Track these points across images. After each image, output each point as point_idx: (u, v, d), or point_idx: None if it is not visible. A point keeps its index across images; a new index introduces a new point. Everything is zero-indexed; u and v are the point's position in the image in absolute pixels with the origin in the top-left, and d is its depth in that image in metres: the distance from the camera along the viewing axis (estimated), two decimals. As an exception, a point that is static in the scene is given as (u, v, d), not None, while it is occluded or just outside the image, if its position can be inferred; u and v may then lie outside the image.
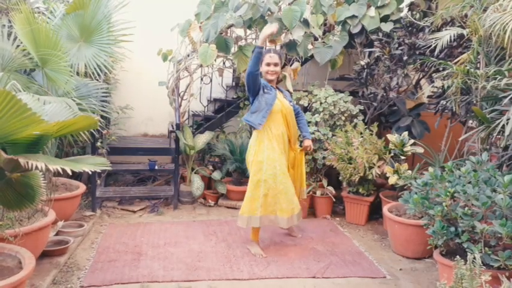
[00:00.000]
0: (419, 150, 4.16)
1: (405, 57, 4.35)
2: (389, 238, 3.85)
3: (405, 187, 3.87)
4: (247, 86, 3.50)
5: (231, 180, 5.15)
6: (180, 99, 5.01)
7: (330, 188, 4.70)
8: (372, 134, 4.30)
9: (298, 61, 4.91)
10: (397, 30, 4.55)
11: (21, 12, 3.23)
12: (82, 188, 4.14)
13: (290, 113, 3.63)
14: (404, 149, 4.14)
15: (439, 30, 4.16)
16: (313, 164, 4.73)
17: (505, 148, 3.23)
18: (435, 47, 3.77)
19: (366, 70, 4.67)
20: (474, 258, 2.14)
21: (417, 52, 4.32)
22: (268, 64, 3.52)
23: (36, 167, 2.08)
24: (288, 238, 3.98)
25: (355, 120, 4.75)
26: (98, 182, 4.66)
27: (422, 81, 4.86)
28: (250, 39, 4.94)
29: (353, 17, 4.66)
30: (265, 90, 3.51)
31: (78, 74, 3.74)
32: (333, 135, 4.56)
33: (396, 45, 4.41)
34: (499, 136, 3.28)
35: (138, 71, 5.66)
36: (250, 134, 3.88)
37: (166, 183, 5.44)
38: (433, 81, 4.51)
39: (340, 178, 4.56)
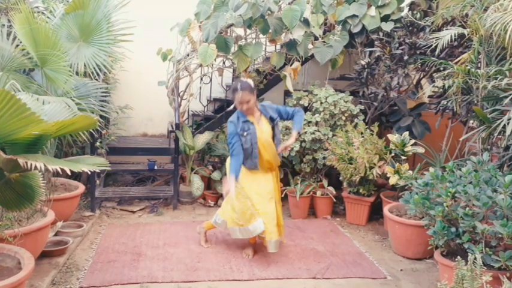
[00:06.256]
0: (420, 150, 4.15)
1: (406, 57, 4.34)
2: (390, 238, 3.84)
3: (406, 187, 3.86)
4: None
5: (231, 181, 5.13)
6: (179, 99, 4.99)
7: (331, 188, 4.69)
8: (372, 134, 4.28)
9: (299, 61, 4.89)
10: (397, 29, 4.54)
11: (21, 11, 3.22)
12: (81, 188, 4.13)
13: (267, 140, 3.42)
14: (405, 149, 4.13)
15: (439, 29, 4.15)
16: (314, 164, 4.72)
17: (506, 148, 3.22)
18: (436, 46, 3.76)
19: (366, 70, 4.66)
20: (475, 258, 2.13)
21: (418, 52, 4.31)
22: (240, 103, 3.32)
23: (36, 167, 2.08)
24: (288, 238, 3.96)
25: (355, 120, 4.74)
26: (97, 182, 4.65)
27: (423, 81, 4.85)
28: (250, 38, 4.93)
29: (353, 16, 4.66)
30: (245, 134, 3.34)
31: (77, 73, 3.73)
32: (334, 135, 4.54)
33: (397, 45, 4.40)
34: (500, 136, 3.28)
35: (137, 70, 5.64)
36: None
37: (166, 184, 5.42)
38: (433, 81, 4.49)
39: (340, 178, 4.55)
